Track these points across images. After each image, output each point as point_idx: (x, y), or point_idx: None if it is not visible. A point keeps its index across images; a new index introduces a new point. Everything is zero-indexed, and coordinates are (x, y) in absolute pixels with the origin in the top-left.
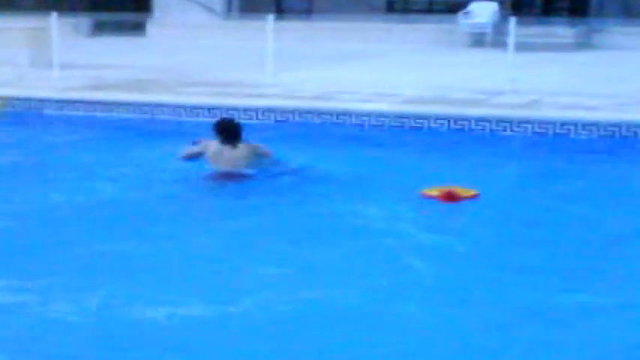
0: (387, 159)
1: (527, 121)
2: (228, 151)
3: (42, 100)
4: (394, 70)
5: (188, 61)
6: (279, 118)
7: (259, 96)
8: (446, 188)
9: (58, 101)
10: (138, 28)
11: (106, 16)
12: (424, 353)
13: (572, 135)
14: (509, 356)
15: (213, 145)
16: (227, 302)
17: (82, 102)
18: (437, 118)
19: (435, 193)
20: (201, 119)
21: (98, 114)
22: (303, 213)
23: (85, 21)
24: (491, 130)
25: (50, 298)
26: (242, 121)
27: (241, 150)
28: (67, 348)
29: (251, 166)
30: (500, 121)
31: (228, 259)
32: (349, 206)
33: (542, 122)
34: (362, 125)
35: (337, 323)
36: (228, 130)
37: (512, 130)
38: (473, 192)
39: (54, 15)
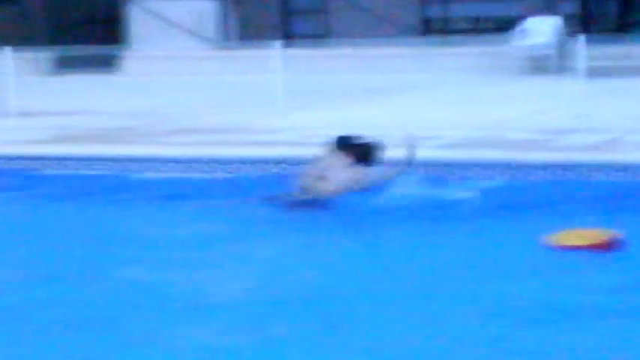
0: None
1: (604, 166)
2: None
3: None
4: (433, 107)
5: (175, 103)
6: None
7: (268, 144)
8: (584, 232)
9: (14, 158)
10: (111, 62)
11: (71, 50)
12: None
13: None
14: None
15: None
16: None
17: (46, 158)
18: (490, 164)
19: (574, 239)
20: (194, 175)
21: (66, 171)
22: None
23: (46, 56)
24: (559, 177)
25: None
26: (248, 175)
27: None
28: None
29: None
30: (569, 166)
31: None
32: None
33: (623, 166)
34: None
35: None
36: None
37: (585, 178)
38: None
39: (7, 50)
